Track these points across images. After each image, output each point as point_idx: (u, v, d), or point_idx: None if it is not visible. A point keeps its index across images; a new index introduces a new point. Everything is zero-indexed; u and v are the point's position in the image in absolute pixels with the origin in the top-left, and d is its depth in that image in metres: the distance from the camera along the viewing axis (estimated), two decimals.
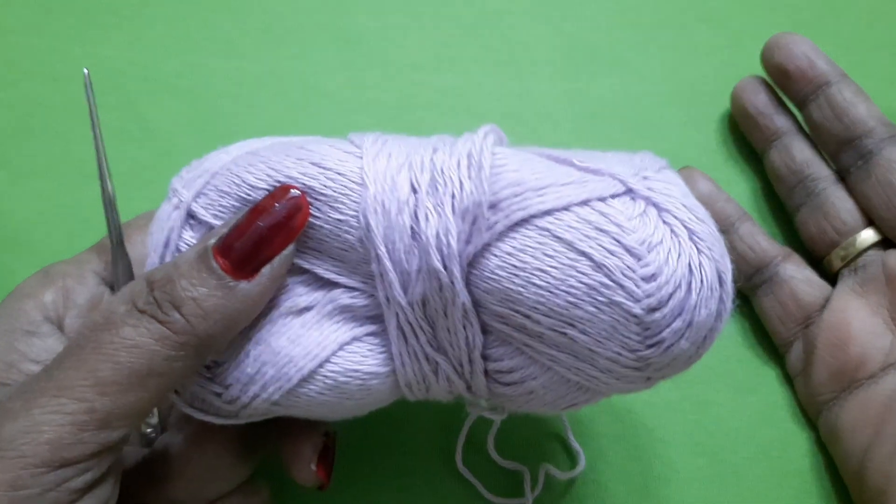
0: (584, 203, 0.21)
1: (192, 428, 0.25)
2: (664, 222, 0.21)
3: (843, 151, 0.33)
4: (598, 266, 0.20)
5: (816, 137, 0.34)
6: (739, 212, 0.33)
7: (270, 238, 0.22)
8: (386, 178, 0.22)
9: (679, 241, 0.21)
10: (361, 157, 0.23)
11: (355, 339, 0.23)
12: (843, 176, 0.33)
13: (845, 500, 0.31)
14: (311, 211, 0.22)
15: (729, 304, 0.21)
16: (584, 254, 0.20)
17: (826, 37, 0.36)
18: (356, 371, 0.23)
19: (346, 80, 0.37)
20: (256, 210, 0.22)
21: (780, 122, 0.34)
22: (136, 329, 0.21)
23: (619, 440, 0.32)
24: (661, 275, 0.20)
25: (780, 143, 0.34)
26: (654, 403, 0.32)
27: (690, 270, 0.20)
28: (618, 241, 0.20)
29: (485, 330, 0.22)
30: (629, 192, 0.21)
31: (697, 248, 0.21)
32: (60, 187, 0.35)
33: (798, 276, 0.32)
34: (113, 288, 0.26)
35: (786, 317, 0.32)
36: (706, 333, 0.21)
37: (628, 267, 0.20)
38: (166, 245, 0.23)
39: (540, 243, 0.21)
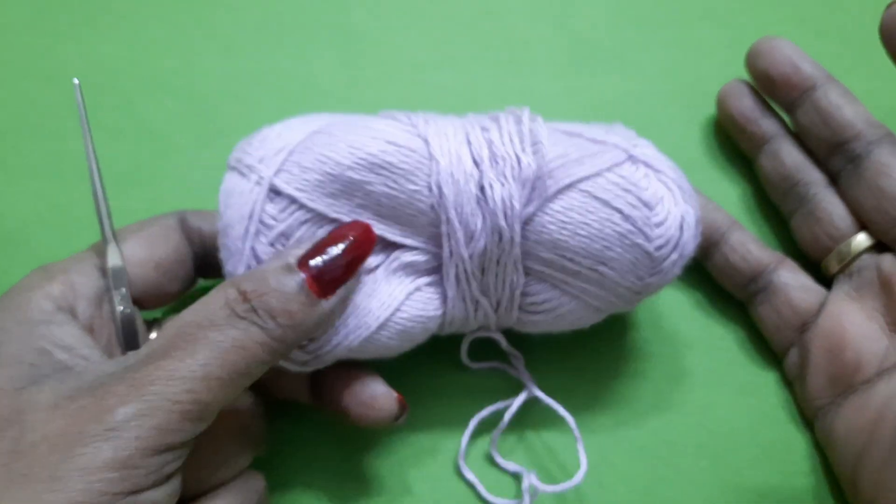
0: (608, 170, 0.27)
1: None
2: (659, 180, 0.28)
3: (833, 155, 0.32)
4: (627, 217, 0.27)
5: (806, 142, 0.33)
6: (729, 220, 0.33)
7: (346, 261, 0.25)
8: (452, 153, 0.26)
9: (673, 195, 0.28)
10: (421, 136, 0.27)
11: (417, 289, 0.28)
12: (833, 179, 0.33)
13: (846, 501, 0.31)
14: (389, 184, 0.26)
15: (699, 238, 0.29)
16: (616, 209, 0.27)
17: (828, 35, 0.37)
18: (420, 316, 0.28)
19: (346, 78, 0.37)
20: (334, 236, 0.25)
21: (767, 125, 0.34)
22: (243, 332, 0.23)
23: (622, 442, 0.32)
24: (666, 222, 0.27)
25: (768, 148, 0.34)
26: (657, 405, 0.33)
27: (682, 216, 0.28)
28: (638, 198, 0.27)
29: (525, 272, 0.28)
30: (630, 157, 0.28)
31: (684, 199, 0.28)
32: (56, 187, 0.35)
33: (792, 282, 0.32)
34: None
35: (782, 324, 0.32)
36: (687, 260, 0.29)
37: (645, 216, 0.27)
38: (250, 217, 0.26)
39: (583, 202, 0.27)
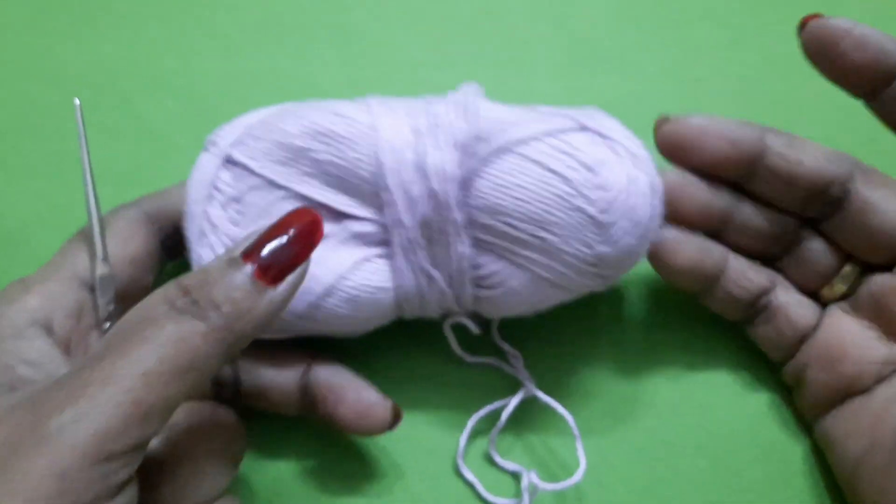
0: (550, 134, 0.27)
1: (181, 428, 0.26)
2: (609, 148, 0.27)
3: (807, 206, 0.30)
4: (565, 179, 0.26)
5: (774, 205, 0.30)
6: (722, 253, 0.30)
7: (294, 249, 0.24)
8: (393, 124, 0.27)
9: (620, 159, 0.27)
10: (367, 109, 0.28)
11: (366, 259, 0.28)
12: (811, 221, 0.31)
13: (845, 502, 0.31)
14: (332, 151, 0.27)
15: (659, 210, 0.28)
16: (553, 171, 0.26)
17: None
18: (367, 286, 0.28)
19: (346, 78, 0.37)
20: (281, 224, 0.24)
21: (723, 201, 0.30)
22: (180, 325, 0.22)
23: (621, 442, 0.32)
24: (608, 184, 0.27)
25: (735, 223, 0.31)
26: (656, 405, 0.32)
27: (630, 180, 0.27)
28: (578, 161, 0.27)
29: (473, 244, 0.28)
30: (583, 128, 0.28)
31: (634, 165, 0.27)
32: (56, 187, 0.35)
33: (790, 300, 0.31)
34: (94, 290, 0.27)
35: (781, 341, 0.32)
36: (644, 231, 0.27)
37: (586, 179, 0.26)
38: (206, 183, 0.28)
39: (519, 165, 0.27)
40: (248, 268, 0.23)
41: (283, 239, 0.24)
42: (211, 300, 0.23)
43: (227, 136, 0.28)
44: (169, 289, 0.23)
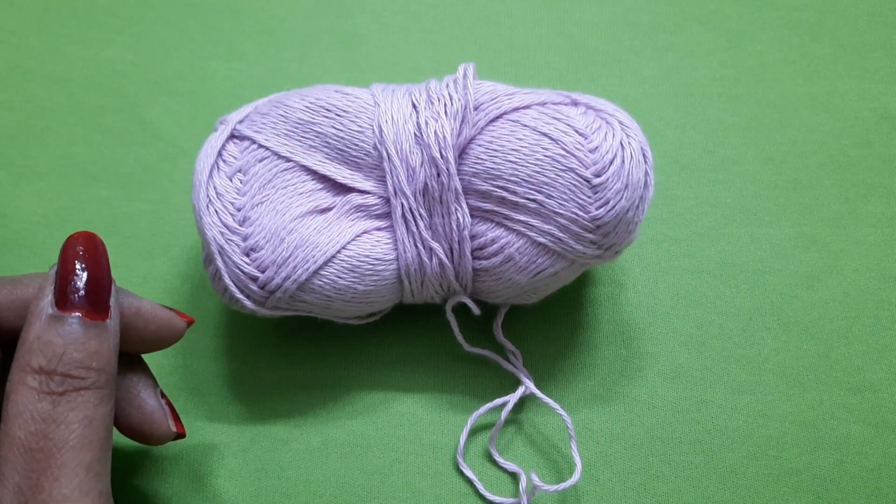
0: (542, 104, 0.28)
1: None
2: (599, 117, 0.29)
3: None
4: (555, 141, 0.27)
5: None
6: None
7: (96, 274, 0.23)
8: (394, 99, 0.29)
9: (612, 127, 0.28)
10: (369, 90, 0.30)
11: (366, 231, 0.29)
12: None
13: (840, 499, 0.31)
14: (335, 123, 0.29)
15: (652, 176, 0.29)
16: (544, 134, 0.28)
17: (825, 38, 0.38)
18: (367, 256, 0.29)
19: (347, 81, 0.37)
20: (66, 258, 0.23)
21: None
22: (75, 409, 0.22)
23: (618, 439, 0.32)
24: (601, 148, 0.28)
25: None
26: (653, 403, 0.32)
27: (622, 146, 0.28)
28: (569, 125, 0.28)
29: (471, 213, 0.29)
30: (574, 102, 0.29)
31: (625, 133, 0.28)
32: (62, 189, 0.36)
33: None
34: None
35: None
36: (640, 194, 0.28)
37: (578, 142, 0.27)
38: (213, 155, 0.29)
39: (512, 130, 0.28)
40: (76, 315, 0.23)
41: (80, 269, 0.23)
42: (79, 363, 0.22)
43: (236, 115, 0.30)
44: (28, 380, 0.22)
